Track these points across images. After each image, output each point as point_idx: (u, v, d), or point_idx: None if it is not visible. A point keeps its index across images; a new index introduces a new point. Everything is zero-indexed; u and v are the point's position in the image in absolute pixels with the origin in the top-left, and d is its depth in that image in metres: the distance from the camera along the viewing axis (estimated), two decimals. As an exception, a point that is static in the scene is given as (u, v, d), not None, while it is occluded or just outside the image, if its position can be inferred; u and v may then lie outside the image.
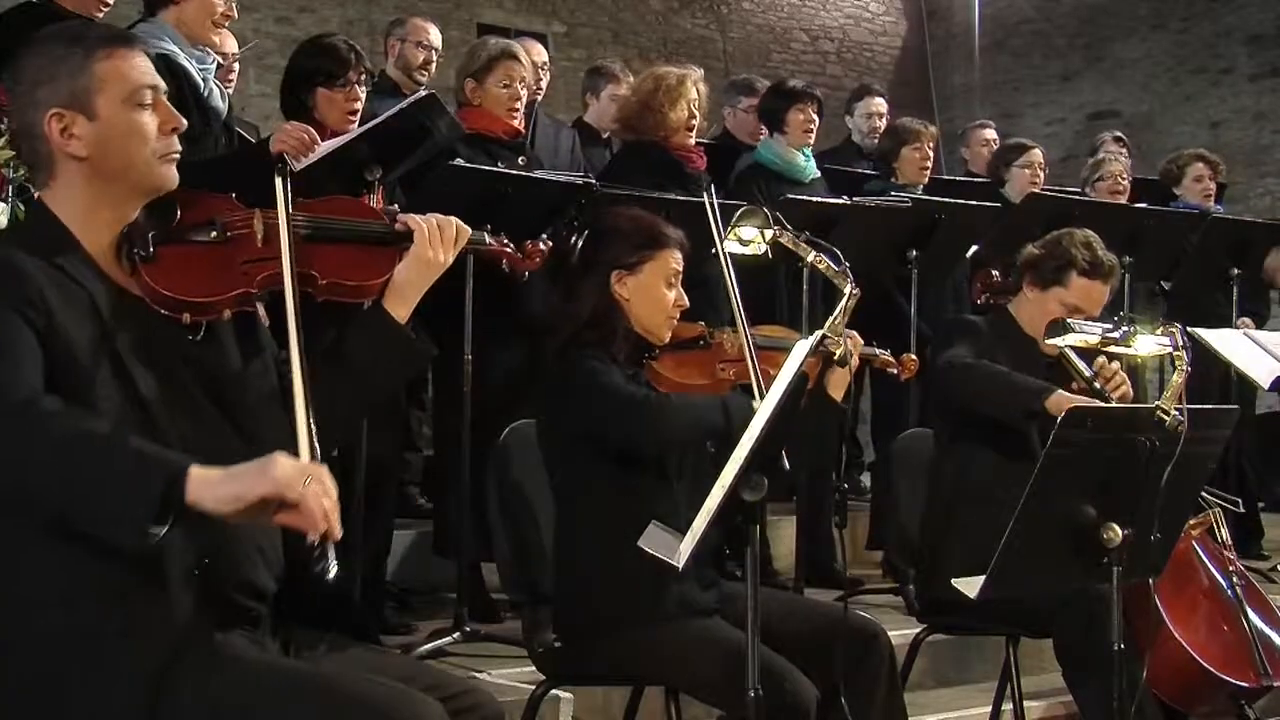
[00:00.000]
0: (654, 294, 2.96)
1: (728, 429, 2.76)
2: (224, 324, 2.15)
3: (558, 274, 3.05)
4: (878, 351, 3.51)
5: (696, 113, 4.69)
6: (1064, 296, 3.57)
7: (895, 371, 3.61)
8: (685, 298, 3.01)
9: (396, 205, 3.44)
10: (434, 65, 5.44)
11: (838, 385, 3.05)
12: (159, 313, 2.04)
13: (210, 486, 1.77)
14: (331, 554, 1.84)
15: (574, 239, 3.03)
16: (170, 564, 1.92)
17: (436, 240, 2.25)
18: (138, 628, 1.91)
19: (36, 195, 2.09)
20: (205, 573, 1.96)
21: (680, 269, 2.99)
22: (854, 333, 3.11)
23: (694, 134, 4.77)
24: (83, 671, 1.89)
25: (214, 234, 2.12)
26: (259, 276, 2.11)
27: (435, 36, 5.47)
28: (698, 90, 4.68)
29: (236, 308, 2.14)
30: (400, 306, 2.25)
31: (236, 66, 4.80)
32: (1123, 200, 5.82)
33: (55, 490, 1.79)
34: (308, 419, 1.96)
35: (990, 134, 6.94)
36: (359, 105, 3.96)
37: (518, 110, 4.48)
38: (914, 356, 3.54)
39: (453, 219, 2.31)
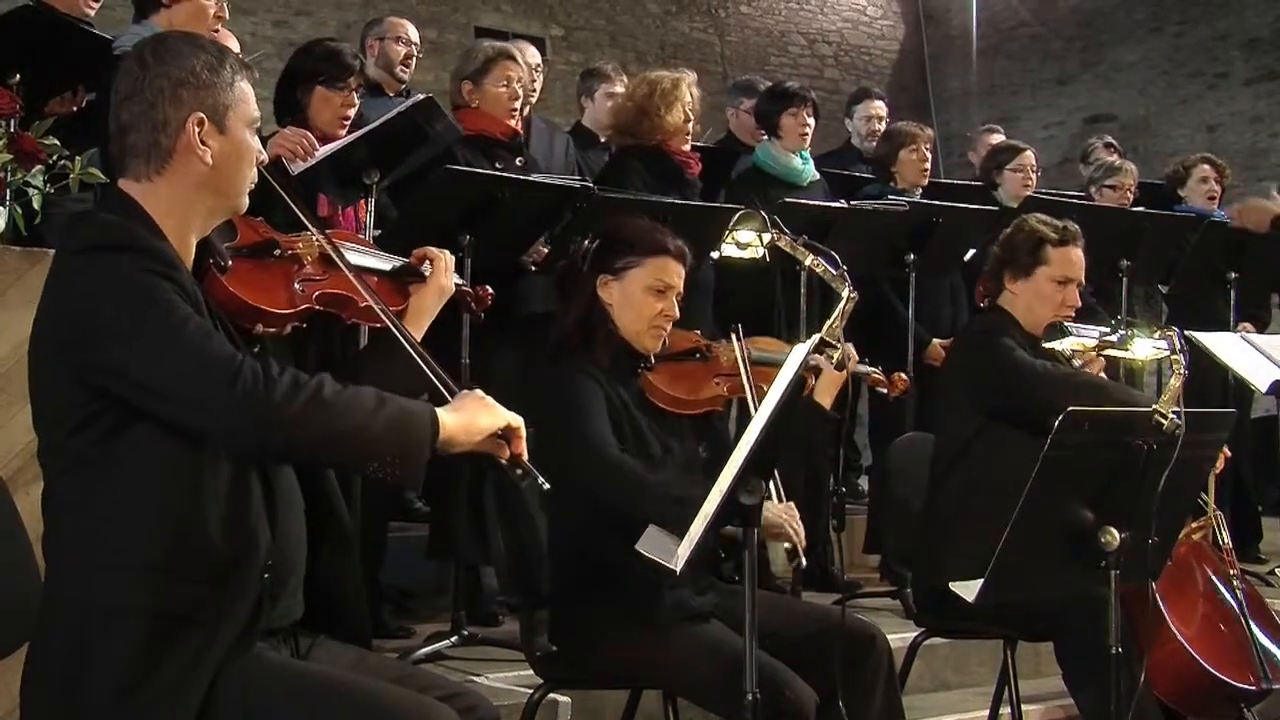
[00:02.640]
0: (635, 301, 2.93)
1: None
2: (269, 341, 2.25)
3: (565, 278, 3.04)
4: (868, 369, 3.48)
5: (691, 115, 4.69)
6: (1050, 273, 3.60)
7: (884, 391, 3.59)
8: (675, 309, 2.96)
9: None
10: (414, 61, 5.44)
11: (825, 392, 3.04)
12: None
13: (460, 428, 2.05)
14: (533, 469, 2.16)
15: (586, 243, 3.02)
16: (251, 567, 2.02)
17: (446, 269, 2.41)
18: (222, 618, 1.98)
19: (116, 183, 2.09)
20: (267, 586, 2.04)
21: (670, 281, 2.94)
22: (849, 345, 3.09)
23: (689, 137, 4.77)
24: (167, 646, 1.94)
25: (277, 252, 2.26)
26: (315, 293, 2.26)
27: (413, 32, 5.46)
28: (691, 93, 4.67)
29: (298, 322, 2.24)
30: (419, 331, 2.40)
31: None
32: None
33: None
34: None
35: (999, 138, 6.86)
36: (352, 112, 3.97)
37: (516, 110, 4.47)
38: (904, 376, 3.52)
39: (445, 250, 2.46)
